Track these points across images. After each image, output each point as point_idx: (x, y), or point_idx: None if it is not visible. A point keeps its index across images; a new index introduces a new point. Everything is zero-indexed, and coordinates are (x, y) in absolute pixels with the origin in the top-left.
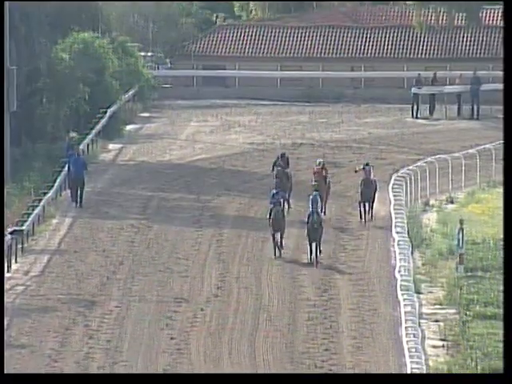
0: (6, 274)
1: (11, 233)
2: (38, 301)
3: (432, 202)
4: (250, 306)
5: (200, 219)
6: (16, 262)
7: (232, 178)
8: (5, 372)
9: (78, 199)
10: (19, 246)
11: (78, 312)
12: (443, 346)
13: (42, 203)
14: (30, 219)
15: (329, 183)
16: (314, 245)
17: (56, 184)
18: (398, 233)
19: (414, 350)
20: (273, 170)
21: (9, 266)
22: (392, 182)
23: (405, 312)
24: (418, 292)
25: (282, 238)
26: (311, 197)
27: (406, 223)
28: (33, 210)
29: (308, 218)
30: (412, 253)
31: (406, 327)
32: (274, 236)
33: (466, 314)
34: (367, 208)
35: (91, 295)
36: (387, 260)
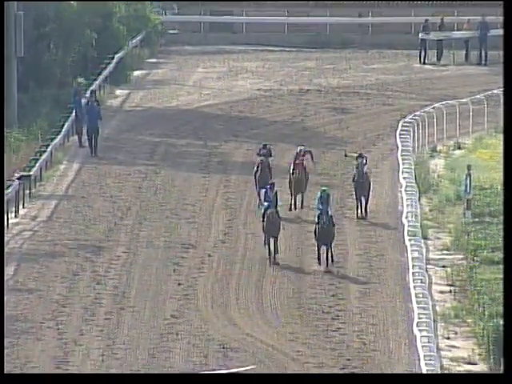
0: (14, 220)
1: (19, 178)
2: (45, 246)
3: (439, 147)
4: (258, 252)
5: (207, 165)
6: (24, 207)
7: (239, 124)
8: (5, 372)
9: (93, 148)
10: (27, 191)
11: (86, 257)
12: (450, 292)
13: (49, 149)
14: (37, 165)
15: (307, 174)
16: (324, 248)
17: (63, 130)
18: (405, 178)
19: (421, 295)
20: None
21: (16, 211)
22: (399, 127)
23: (412, 257)
24: (426, 238)
25: (276, 242)
26: (318, 194)
27: (414, 169)
28: (40, 155)
29: (318, 218)
30: (419, 198)
31: (413, 273)
32: (268, 242)
33: (473, 260)
34: (362, 203)
35: (99, 241)
36: (394, 206)
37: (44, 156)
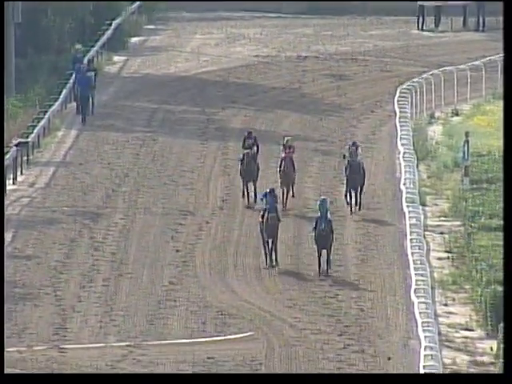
0: (12, 186)
1: (17, 145)
2: (43, 213)
3: (437, 114)
4: (256, 219)
5: (205, 132)
6: (21, 173)
7: (237, 91)
8: (5, 372)
9: (84, 116)
10: (24, 158)
11: (84, 224)
12: (448, 258)
13: (47, 115)
14: (35, 131)
15: (295, 168)
16: (323, 253)
17: (61, 96)
18: (403, 145)
19: (418, 262)
20: (243, 147)
21: (14, 178)
22: (397, 94)
23: (410, 224)
24: (424, 204)
25: (275, 246)
26: (318, 202)
27: (412, 136)
28: (38, 122)
29: (316, 223)
30: (417, 165)
31: (411, 239)
32: (267, 244)
33: (471, 226)
34: (354, 197)
35: (96, 207)
36: (392, 172)
37: (42, 123)
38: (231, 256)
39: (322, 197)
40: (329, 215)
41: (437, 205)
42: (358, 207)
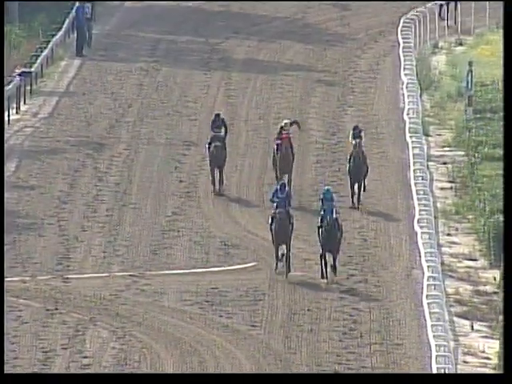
0: (15, 116)
1: (20, 74)
2: (46, 143)
3: (441, 44)
4: (259, 150)
5: (209, 62)
6: (25, 103)
7: (240, 21)
8: (5, 372)
9: (78, 47)
10: (28, 87)
11: (87, 154)
12: (451, 188)
13: (50, 45)
14: (38, 61)
15: (294, 151)
16: (328, 256)
17: (64, 26)
18: (406, 75)
19: (422, 192)
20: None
21: (17, 108)
22: (401, 24)
23: (413, 154)
24: (427, 134)
25: (289, 251)
26: (322, 193)
27: (415, 66)
28: (41, 51)
29: (321, 220)
30: (420, 95)
31: (414, 170)
32: (277, 249)
33: (474, 156)
34: (356, 189)
35: (100, 138)
36: (396, 103)
37: (45, 52)
38: (234, 186)
39: (326, 187)
40: (334, 213)
41: (440, 135)
42: (357, 202)
